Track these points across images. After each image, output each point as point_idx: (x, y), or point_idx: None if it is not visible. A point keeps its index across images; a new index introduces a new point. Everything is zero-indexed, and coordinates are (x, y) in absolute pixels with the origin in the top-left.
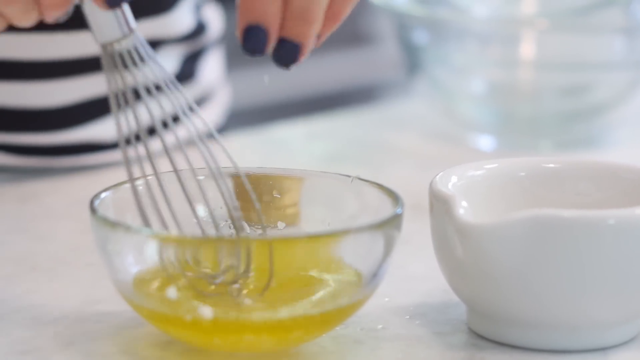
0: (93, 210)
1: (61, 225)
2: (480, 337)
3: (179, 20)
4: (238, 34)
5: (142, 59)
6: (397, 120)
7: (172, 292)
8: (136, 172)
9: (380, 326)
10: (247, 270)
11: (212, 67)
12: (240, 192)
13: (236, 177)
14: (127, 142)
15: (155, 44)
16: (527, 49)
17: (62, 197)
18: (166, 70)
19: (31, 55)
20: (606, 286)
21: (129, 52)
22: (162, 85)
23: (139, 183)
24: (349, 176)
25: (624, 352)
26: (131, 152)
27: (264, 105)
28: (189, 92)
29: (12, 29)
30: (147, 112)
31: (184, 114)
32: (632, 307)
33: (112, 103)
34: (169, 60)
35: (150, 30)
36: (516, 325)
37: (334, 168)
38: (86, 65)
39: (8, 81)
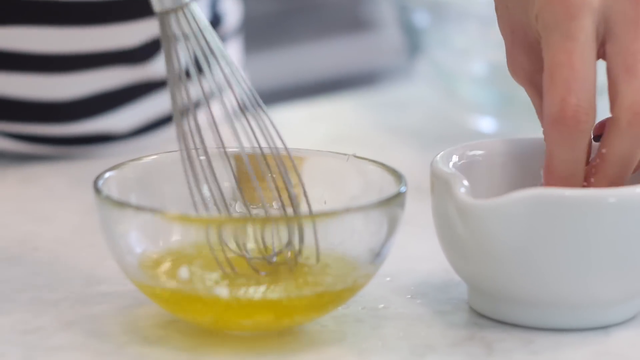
0: (97, 190)
1: (63, 206)
2: (481, 316)
3: None
4: None
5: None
6: (398, 102)
7: (184, 271)
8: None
9: (382, 305)
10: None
11: None
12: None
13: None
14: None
15: None
16: None
17: (64, 178)
18: (221, 45)
19: (46, 48)
20: (607, 264)
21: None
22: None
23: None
24: (345, 154)
25: (626, 330)
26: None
27: (267, 88)
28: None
29: (27, 21)
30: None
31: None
32: (633, 286)
33: (170, 76)
34: (182, 54)
35: None
36: (517, 304)
37: (336, 149)
38: (100, 59)
39: (22, 73)
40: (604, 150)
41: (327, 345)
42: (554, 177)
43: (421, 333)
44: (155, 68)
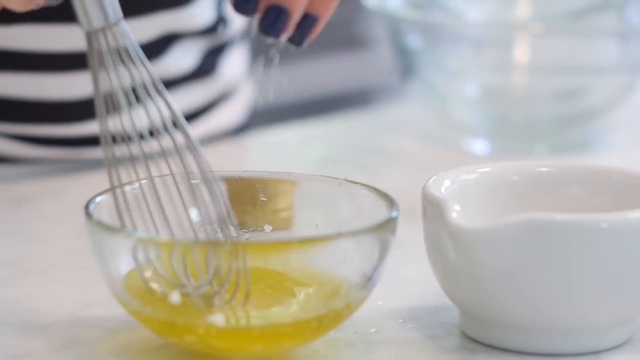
0: (88, 214)
1: (55, 228)
2: (473, 341)
3: (199, 13)
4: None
5: (128, 54)
6: (391, 124)
7: (174, 296)
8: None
9: (374, 330)
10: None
11: (234, 62)
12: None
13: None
14: (113, 140)
15: (174, 37)
16: (522, 53)
17: (57, 200)
18: (151, 69)
19: (50, 47)
20: (599, 290)
21: (116, 46)
22: (146, 85)
23: (127, 188)
24: (337, 178)
25: (618, 355)
26: (116, 151)
27: (259, 109)
28: (210, 87)
29: (32, 19)
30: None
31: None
32: (625, 310)
33: (97, 99)
34: (189, 54)
35: (169, 24)
36: (509, 329)
37: (328, 172)
38: None
39: (28, 73)
40: None
41: None
42: None
43: (413, 358)
44: (167, 65)
